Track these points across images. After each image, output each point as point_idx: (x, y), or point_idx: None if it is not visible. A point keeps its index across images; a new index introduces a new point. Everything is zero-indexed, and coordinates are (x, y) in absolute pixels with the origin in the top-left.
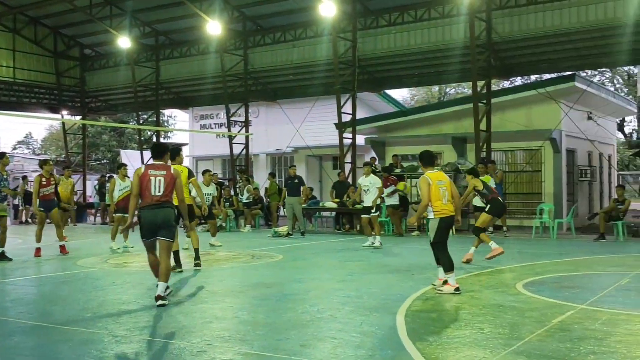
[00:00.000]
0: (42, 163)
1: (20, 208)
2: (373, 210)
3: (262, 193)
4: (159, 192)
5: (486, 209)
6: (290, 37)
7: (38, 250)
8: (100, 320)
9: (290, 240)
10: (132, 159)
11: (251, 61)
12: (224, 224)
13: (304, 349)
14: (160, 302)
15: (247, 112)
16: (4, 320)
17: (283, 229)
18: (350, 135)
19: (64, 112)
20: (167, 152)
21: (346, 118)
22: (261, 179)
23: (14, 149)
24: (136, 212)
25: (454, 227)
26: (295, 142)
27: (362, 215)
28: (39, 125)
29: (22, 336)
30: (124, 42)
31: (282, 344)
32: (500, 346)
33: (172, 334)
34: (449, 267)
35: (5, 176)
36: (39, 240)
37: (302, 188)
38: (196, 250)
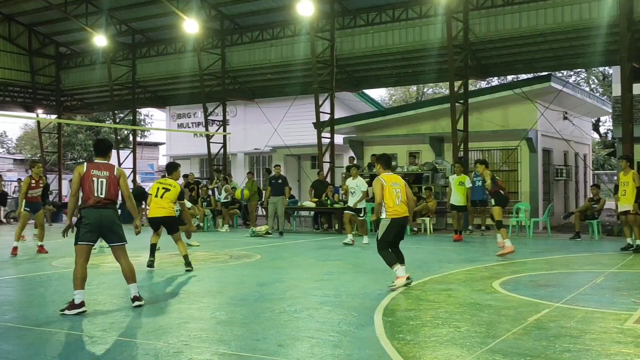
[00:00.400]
0: (32, 165)
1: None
2: (361, 215)
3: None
4: (102, 193)
5: (494, 202)
6: (268, 36)
7: (15, 248)
8: (75, 320)
9: (269, 240)
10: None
11: (229, 60)
12: (201, 224)
13: (282, 349)
14: (137, 302)
15: (224, 111)
16: None
17: (261, 229)
18: (328, 135)
19: (39, 111)
20: (111, 149)
21: (324, 117)
22: (239, 178)
23: None
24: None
25: (408, 227)
26: (273, 142)
27: (345, 212)
28: (14, 124)
29: None
30: (100, 40)
31: (259, 344)
32: (476, 344)
33: (149, 335)
34: (391, 261)
35: None
36: (17, 239)
37: (285, 188)
38: (185, 257)
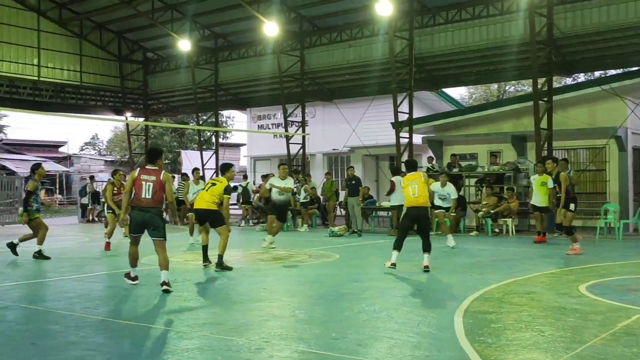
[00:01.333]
0: (113, 173)
1: (90, 207)
2: (451, 211)
3: (319, 193)
4: (149, 195)
5: (571, 207)
6: (346, 37)
7: (108, 244)
8: (162, 316)
9: (347, 240)
10: (192, 159)
11: (308, 61)
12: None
13: (361, 348)
14: (165, 287)
15: (303, 112)
16: (70, 315)
17: (340, 229)
18: (407, 135)
19: (128, 114)
20: (161, 157)
21: (403, 117)
22: (318, 178)
23: (81, 150)
24: None
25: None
26: (351, 142)
27: (437, 211)
28: (105, 127)
29: (89, 331)
30: (184, 45)
31: (338, 342)
32: (562, 349)
33: (231, 331)
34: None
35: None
36: (110, 236)
37: (360, 188)
38: (220, 256)
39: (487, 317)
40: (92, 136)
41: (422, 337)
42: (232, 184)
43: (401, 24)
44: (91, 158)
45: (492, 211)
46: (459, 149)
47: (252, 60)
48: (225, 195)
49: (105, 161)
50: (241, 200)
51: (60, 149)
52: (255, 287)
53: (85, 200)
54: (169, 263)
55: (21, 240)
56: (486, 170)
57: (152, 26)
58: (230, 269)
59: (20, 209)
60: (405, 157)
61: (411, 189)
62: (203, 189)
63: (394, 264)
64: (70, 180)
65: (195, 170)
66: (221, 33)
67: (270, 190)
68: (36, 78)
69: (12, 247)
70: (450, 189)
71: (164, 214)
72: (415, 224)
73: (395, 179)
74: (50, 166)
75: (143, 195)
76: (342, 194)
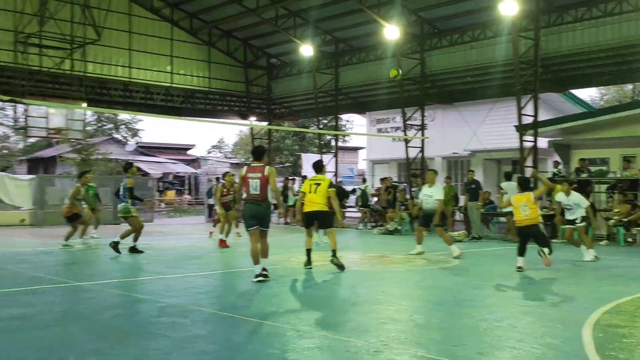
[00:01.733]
0: (224, 175)
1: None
2: (578, 221)
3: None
4: (257, 191)
5: None
6: (468, 39)
7: (223, 241)
8: (284, 315)
9: (467, 245)
10: (312, 162)
11: (428, 64)
12: (399, 227)
13: (482, 357)
14: (259, 278)
15: (423, 115)
16: (198, 310)
17: (459, 234)
18: (531, 138)
19: (252, 118)
20: (264, 154)
21: (527, 120)
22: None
23: (209, 152)
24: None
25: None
26: (472, 145)
27: (565, 227)
28: (230, 130)
29: (216, 325)
30: (306, 50)
31: (458, 350)
32: None
33: (350, 332)
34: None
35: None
36: (227, 234)
37: (480, 192)
38: (333, 251)
39: (618, 331)
40: (218, 139)
41: (547, 349)
42: (351, 187)
43: (526, 24)
44: (217, 160)
45: (624, 219)
46: (589, 153)
47: (372, 64)
48: (331, 190)
49: (231, 163)
50: (360, 203)
51: (189, 152)
52: (373, 290)
53: (211, 200)
54: (269, 253)
55: (122, 237)
56: (618, 175)
57: (276, 33)
58: (342, 266)
59: (122, 205)
60: (529, 162)
61: (522, 211)
62: (308, 191)
63: (519, 267)
64: (198, 182)
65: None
66: (342, 38)
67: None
68: (169, 84)
69: (115, 245)
70: (577, 198)
71: (272, 207)
72: (530, 238)
73: (507, 184)
74: (179, 168)
75: (251, 192)
76: (462, 199)
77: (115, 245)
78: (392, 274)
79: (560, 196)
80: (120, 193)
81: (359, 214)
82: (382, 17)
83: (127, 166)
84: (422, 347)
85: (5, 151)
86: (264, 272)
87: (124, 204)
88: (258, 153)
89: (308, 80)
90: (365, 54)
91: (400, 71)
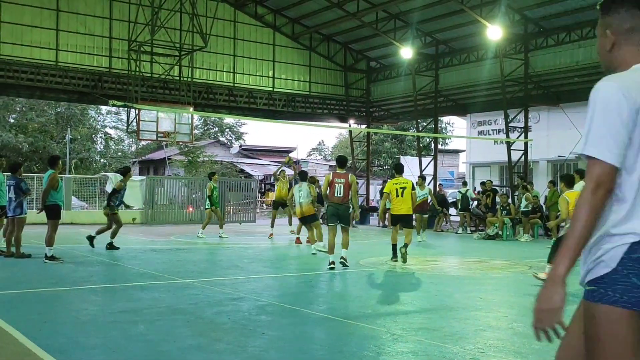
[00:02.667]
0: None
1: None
2: None
3: (542, 202)
4: (340, 194)
5: None
6: (575, 37)
7: (297, 239)
8: (380, 317)
9: None
10: (412, 165)
11: (532, 64)
12: (500, 232)
13: None
14: (333, 265)
15: (526, 117)
16: (296, 310)
17: None
18: None
19: (351, 121)
20: (346, 162)
21: None
22: (541, 186)
23: (309, 155)
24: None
25: None
26: (579, 148)
27: None
28: (330, 133)
29: (312, 326)
30: (406, 52)
31: None
32: None
33: (445, 338)
34: None
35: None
36: (298, 232)
37: None
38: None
39: None
40: (318, 142)
41: None
42: (451, 191)
43: None
44: (317, 163)
45: None
46: None
47: (473, 66)
48: (414, 192)
49: (330, 166)
50: (459, 207)
51: (290, 154)
52: (472, 296)
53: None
54: (349, 244)
55: (98, 233)
56: None
57: (376, 36)
58: (405, 259)
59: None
60: None
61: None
62: (397, 195)
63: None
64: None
65: (419, 177)
66: (442, 39)
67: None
68: (271, 89)
69: (91, 240)
70: None
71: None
72: None
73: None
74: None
75: (336, 195)
76: None
77: (90, 240)
78: (492, 280)
79: None
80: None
81: (458, 218)
82: (484, 18)
83: (125, 170)
84: (520, 356)
85: (120, 153)
86: (342, 260)
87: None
88: (341, 162)
89: (407, 83)
90: (466, 55)
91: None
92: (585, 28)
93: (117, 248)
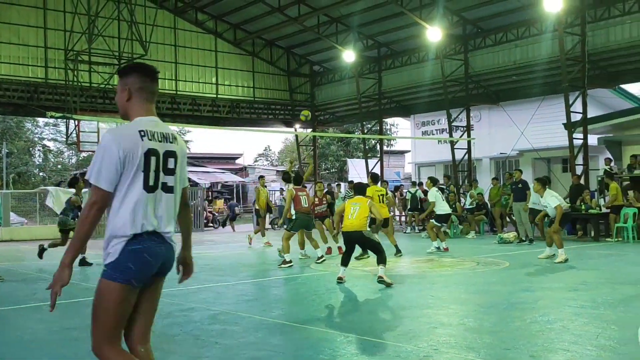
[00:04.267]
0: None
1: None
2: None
3: (486, 198)
4: (306, 205)
5: None
6: (512, 37)
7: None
8: (333, 320)
9: (517, 247)
10: (358, 167)
11: (472, 64)
12: (447, 230)
13: None
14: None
15: (468, 116)
16: (249, 317)
17: (509, 235)
18: (581, 136)
19: (297, 126)
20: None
21: (576, 117)
22: (484, 183)
23: (255, 161)
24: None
25: None
26: (520, 145)
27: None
28: (276, 138)
29: (266, 332)
30: (348, 56)
31: (509, 353)
32: None
33: (399, 337)
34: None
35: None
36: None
37: (527, 192)
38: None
39: None
40: (264, 148)
41: (602, 351)
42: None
43: (572, 19)
44: (264, 169)
45: None
46: None
47: (415, 67)
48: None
49: (277, 171)
50: (409, 207)
51: (236, 161)
52: (423, 294)
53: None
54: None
55: (50, 246)
56: None
57: (318, 40)
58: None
59: (61, 217)
60: (580, 160)
61: None
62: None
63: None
64: (247, 190)
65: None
66: (384, 42)
67: None
68: (214, 96)
69: (41, 251)
70: (549, 198)
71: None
72: None
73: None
74: (227, 177)
75: (304, 205)
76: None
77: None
78: (442, 277)
79: (534, 196)
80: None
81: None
82: (424, 20)
83: (74, 181)
84: (473, 351)
85: (59, 166)
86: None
87: (62, 216)
88: (297, 179)
89: (351, 86)
90: (407, 57)
91: (309, 114)
92: (521, 28)
93: (90, 264)
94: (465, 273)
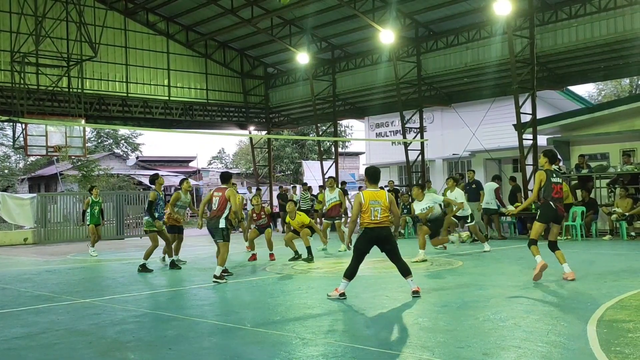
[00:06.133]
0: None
1: None
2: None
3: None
4: (215, 207)
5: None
6: (463, 40)
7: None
8: (288, 323)
9: (471, 247)
10: (313, 169)
11: (424, 67)
12: (402, 231)
13: (487, 358)
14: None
15: (421, 118)
16: (203, 322)
17: (462, 235)
18: (530, 136)
19: (251, 128)
20: (230, 178)
21: (526, 118)
22: (438, 184)
23: (209, 164)
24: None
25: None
26: (472, 146)
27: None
28: (230, 141)
29: (220, 337)
30: (302, 58)
31: (463, 351)
32: None
33: (355, 338)
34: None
35: (162, 196)
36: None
37: (480, 192)
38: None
39: (623, 326)
40: (218, 150)
41: (553, 347)
42: (353, 192)
43: (520, 23)
44: (218, 171)
45: (627, 214)
46: (588, 149)
47: (369, 69)
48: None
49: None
50: None
51: (190, 164)
52: (378, 295)
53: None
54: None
55: (146, 258)
56: (619, 170)
57: (272, 42)
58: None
59: (146, 218)
60: (530, 160)
61: None
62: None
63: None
64: (200, 193)
65: (330, 178)
66: (338, 44)
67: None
68: (167, 98)
69: (144, 268)
70: (429, 200)
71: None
72: None
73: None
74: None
75: (213, 208)
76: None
77: (142, 268)
78: (396, 278)
79: (487, 196)
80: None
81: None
82: (377, 22)
83: (154, 177)
84: (427, 350)
85: (6, 171)
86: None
87: (147, 217)
88: (225, 177)
89: (305, 88)
90: (361, 59)
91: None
92: (472, 31)
93: (151, 270)
94: (420, 273)
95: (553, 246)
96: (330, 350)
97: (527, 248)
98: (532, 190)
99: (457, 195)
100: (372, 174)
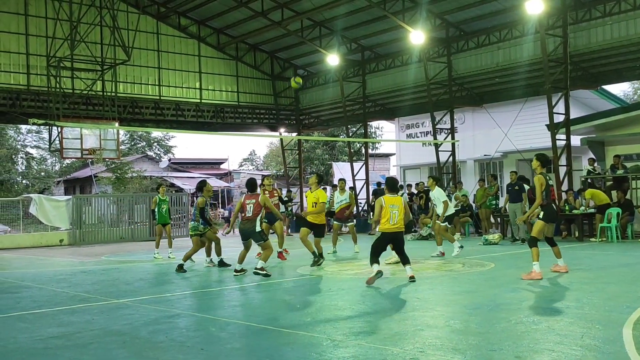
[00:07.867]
0: (262, 179)
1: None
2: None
3: (471, 200)
4: (250, 213)
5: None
6: (494, 39)
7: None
8: (319, 324)
9: (503, 248)
10: (343, 170)
11: (455, 67)
12: (433, 232)
13: None
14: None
15: (452, 118)
16: (235, 323)
17: (494, 237)
18: (564, 137)
19: (282, 130)
20: (256, 186)
21: (559, 118)
22: (469, 185)
23: (240, 165)
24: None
25: None
26: (504, 147)
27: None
28: (261, 143)
29: (252, 338)
30: (332, 59)
31: (495, 354)
32: None
33: (385, 340)
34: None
35: (209, 202)
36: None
37: (523, 195)
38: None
39: None
40: (249, 152)
41: (587, 350)
42: None
43: (553, 22)
44: (249, 173)
45: None
46: (623, 149)
47: (399, 70)
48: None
49: (262, 176)
50: None
51: (221, 166)
52: (408, 297)
53: None
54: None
55: (186, 259)
56: None
57: (302, 44)
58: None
59: (192, 223)
60: (563, 160)
61: None
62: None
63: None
64: (231, 195)
65: (340, 180)
66: (368, 45)
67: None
68: (198, 101)
69: (180, 268)
70: (437, 193)
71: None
72: None
73: None
74: (213, 182)
75: (246, 215)
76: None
77: (179, 269)
78: (427, 279)
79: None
80: (192, 211)
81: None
82: (407, 23)
83: (201, 185)
84: (459, 353)
85: (43, 173)
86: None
87: (193, 222)
88: (250, 185)
89: (335, 89)
90: (391, 60)
91: (299, 80)
92: (504, 30)
93: (229, 265)
94: (451, 275)
95: (551, 242)
96: (361, 352)
97: (529, 247)
98: (535, 194)
99: (438, 194)
100: (391, 184)
